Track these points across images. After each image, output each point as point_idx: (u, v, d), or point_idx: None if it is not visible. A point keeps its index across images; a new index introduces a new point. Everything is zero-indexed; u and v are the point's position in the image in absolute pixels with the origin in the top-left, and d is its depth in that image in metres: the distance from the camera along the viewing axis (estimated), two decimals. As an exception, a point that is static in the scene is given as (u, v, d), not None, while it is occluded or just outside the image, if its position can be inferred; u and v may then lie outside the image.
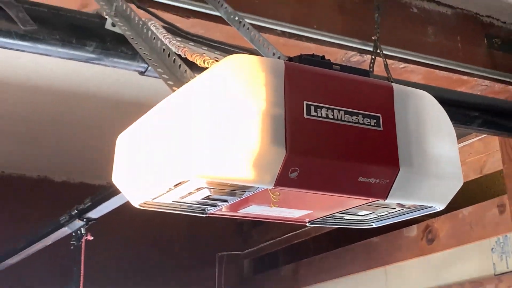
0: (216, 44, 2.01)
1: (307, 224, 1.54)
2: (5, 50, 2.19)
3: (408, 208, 1.41)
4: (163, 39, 1.68)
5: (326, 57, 1.39)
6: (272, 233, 5.11)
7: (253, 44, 2.00)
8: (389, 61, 2.81)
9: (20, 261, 3.79)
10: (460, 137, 3.59)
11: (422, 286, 3.83)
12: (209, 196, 1.30)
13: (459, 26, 3.19)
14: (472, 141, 3.61)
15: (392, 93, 1.33)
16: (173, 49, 1.63)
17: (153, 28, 1.75)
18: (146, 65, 2.25)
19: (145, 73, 2.27)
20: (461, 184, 1.40)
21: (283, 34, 2.70)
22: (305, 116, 1.22)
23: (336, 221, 1.53)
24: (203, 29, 2.52)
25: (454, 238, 3.71)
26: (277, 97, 1.20)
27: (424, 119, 1.35)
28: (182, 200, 1.34)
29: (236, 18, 2.17)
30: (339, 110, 1.25)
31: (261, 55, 1.80)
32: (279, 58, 1.73)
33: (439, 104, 1.40)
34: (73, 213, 2.88)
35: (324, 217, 1.49)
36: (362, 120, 1.27)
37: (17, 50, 2.15)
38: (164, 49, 1.61)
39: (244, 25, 2.09)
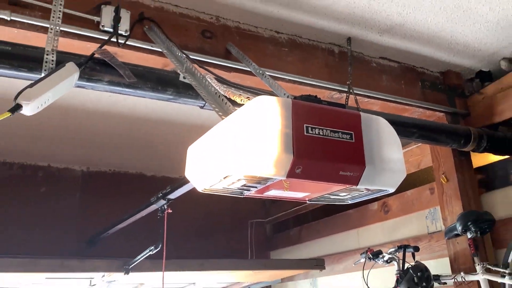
0: (248, 89, 2.01)
1: (307, 201, 1.54)
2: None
3: (371, 191, 1.41)
4: (215, 86, 1.69)
5: (318, 96, 1.40)
6: (284, 207, 5.10)
7: (271, 88, 2.01)
8: (358, 98, 2.81)
9: (125, 226, 3.83)
10: (404, 145, 3.56)
11: (382, 241, 3.80)
12: (245, 184, 1.32)
13: (403, 74, 3.17)
14: (412, 147, 3.58)
15: (360, 118, 1.34)
16: (221, 92, 1.64)
17: (208, 79, 1.76)
18: (204, 102, 2.24)
19: (203, 107, 2.28)
20: (405, 175, 1.40)
21: (290, 81, 2.69)
22: (305, 133, 1.23)
23: (326, 199, 1.53)
24: (240, 79, 2.52)
25: (401, 210, 3.67)
26: (287, 122, 1.22)
27: (380, 134, 1.36)
28: (228, 187, 1.34)
29: (260, 72, 2.18)
30: (326, 129, 1.26)
31: (277, 95, 1.80)
32: (288, 97, 1.73)
33: (389, 125, 1.40)
34: (159, 195, 2.90)
35: (318, 197, 1.50)
36: (341, 136, 1.28)
37: (123, 94, 2.17)
38: (216, 92, 1.62)
39: (265, 76, 2.10)
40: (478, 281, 2.69)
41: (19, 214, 4.28)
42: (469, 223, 2.68)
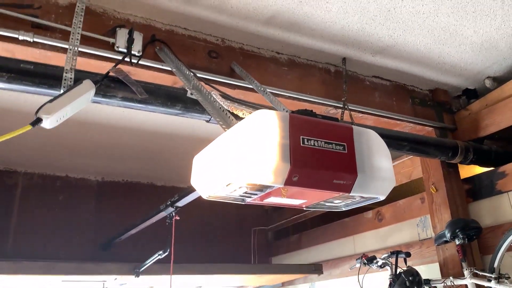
0: (250, 104, 2.03)
1: (304, 208, 1.54)
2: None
3: (363, 198, 1.41)
4: (219, 101, 1.71)
5: (315, 111, 1.41)
6: (285, 215, 5.08)
7: (272, 104, 2.02)
8: (352, 113, 2.83)
9: (135, 232, 3.82)
10: (397, 157, 3.56)
11: (376, 247, 3.77)
12: (246, 191, 1.32)
13: (394, 91, 3.18)
14: (404, 160, 3.57)
15: (352, 130, 1.35)
16: (225, 107, 1.65)
17: (214, 95, 1.77)
18: (209, 117, 2.26)
19: (209, 121, 2.29)
20: (394, 183, 1.40)
21: (289, 98, 2.70)
22: (301, 144, 1.24)
23: (321, 207, 1.53)
24: (243, 95, 2.53)
25: (394, 218, 3.65)
26: (284, 133, 1.23)
27: (371, 145, 1.36)
28: (230, 194, 1.35)
29: (262, 89, 2.20)
30: (321, 141, 1.27)
31: (276, 110, 1.81)
32: (286, 111, 1.74)
33: (380, 137, 1.41)
34: (167, 203, 2.90)
35: (314, 204, 1.50)
36: (335, 147, 1.29)
37: (136, 109, 2.18)
38: (220, 107, 1.64)
39: (266, 93, 2.12)
40: (466, 285, 2.66)
41: (39, 221, 4.29)
42: (457, 231, 2.67)
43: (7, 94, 3.02)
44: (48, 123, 1.74)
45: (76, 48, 2.07)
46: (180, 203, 2.80)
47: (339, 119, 2.67)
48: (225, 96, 1.87)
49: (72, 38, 2.09)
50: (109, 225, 4.46)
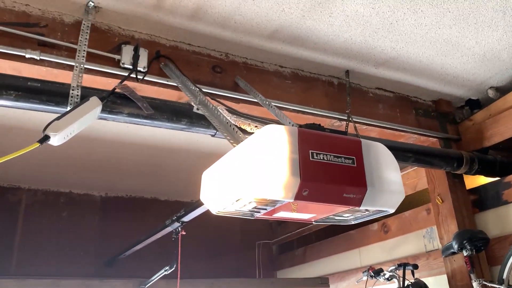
0: (256, 118, 2.04)
1: (313, 222, 1.54)
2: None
3: (373, 211, 1.41)
4: (226, 116, 1.72)
5: (321, 124, 1.42)
6: (289, 228, 5.06)
7: (277, 117, 2.03)
8: (357, 125, 2.82)
9: (141, 248, 3.80)
10: (401, 168, 3.55)
11: (382, 260, 3.75)
12: (255, 206, 1.32)
13: (398, 103, 3.19)
14: (409, 171, 3.57)
15: (360, 144, 1.35)
16: (232, 121, 1.66)
17: (220, 110, 1.78)
18: (215, 131, 2.27)
19: (215, 136, 2.31)
20: (403, 196, 1.40)
21: (293, 111, 2.71)
22: (310, 159, 1.25)
23: (330, 220, 1.53)
24: (247, 109, 2.54)
25: (400, 230, 3.64)
26: (294, 148, 1.24)
27: (380, 158, 1.37)
28: (240, 209, 1.35)
29: (267, 102, 2.21)
30: (330, 154, 1.28)
31: (282, 124, 1.82)
32: (292, 125, 1.75)
33: (388, 150, 1.42)
34: (173, 218, 2.89)
35: (323, 218, 1.50)
36: (344, 160, 1.29)
37: (141, 125, 2.20)
38: (227, 122, 1.65)
39: (271, 106, 2.13)
40: (475, 297, 2.64)
41: (43, 238, 4.28)
42: (464, 242, 2.66)
43: (12, 111, 3.03)
44: (55, 140, 1.76)
45: (82, 65, 2.09)
46: (186, 218, 2.80)
47: (346, 131, 2.67)
48: (231, 111, 1.88)
49: (78, 56, 2.12)
50: (113, 241, 4.44)
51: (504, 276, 2.49)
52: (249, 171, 1.22)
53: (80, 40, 2.16)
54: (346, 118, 2.82)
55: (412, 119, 3.20)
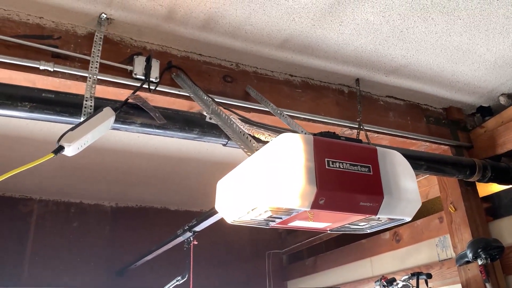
0: (269, 126, 2.04)
1: (328, 231, 1.53)
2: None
3: (389, 220, 1.40)
4: (239, 125, 1.72)
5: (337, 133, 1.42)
6: (299, 238, 5.03)
7: (289, 126, 2.02)
8: (368, 133, 2.82)
9: (152, 258, 3.80)
10: (412, 177, 3.51)
11: (394, 269, 3.71)
12: (271, 215, 1.32)
13: (408, 111, 3.18)
14: (420, 179, 3.54)
15: (376, 152, 1.35)
16: (245, 130, 1.67)
17: (233, 119, 1.79)
18: (227, 140, 2.27)
19: (226, 145, 2.30)
20: (420, 205, 1.39)
21: (304, 119, 2.70)
22: (326, 167, 1.24)
23: (346, 229, 1.51)
24: (258, 118, 2.49)
25: (412, 238, 3.60)
26: (309, 156, 1.23)
27: (396, 166, 1.36)
28: (255, 218, 1.34)
29: (278, 112, 2.21)
30: (346, 163, 1.27)
31: (295, 132, 1.82)
32: (305, 134, 1.75)
33: (404, 158, 1.41)
34: (185, 228, 2.88)
35: (339, 227, 1.48)
36: (360, 169, 1.29)
37: (154, 135, 2.20)
38: (240, 131, 1.65)
39: (283, 115, 2.13)
40: (491, 307, 2.60)
41: (54, 249, 4.29)
42: (479, 250, 2.62)
43: (24, 122, 3.07)
44: (70, 150, 1.77)
45: (95, 76, 2.11)
46: (198, 228, 2.79)
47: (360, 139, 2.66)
48: (244, 120, 1.88)
49: (91, 67, 2.14)
50: (123, 251, 4.45)
51: (521, 285, 2.45)
52: (265, 179, 1.21)
53: (93, 52, 2.18)
54: (357, 126, 2.81)
55: (423, 126, 3.18)
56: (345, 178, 1.25)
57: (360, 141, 1.40)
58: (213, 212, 2.59)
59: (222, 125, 1.78)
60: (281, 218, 1.35)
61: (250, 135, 1.59)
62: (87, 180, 4.15)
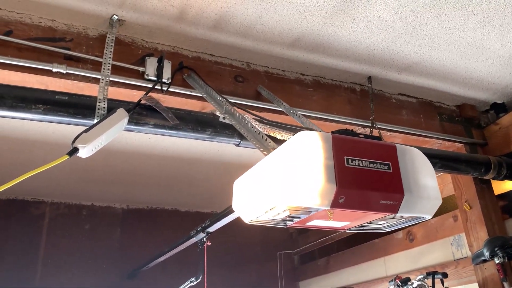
0: (285, 125, 2.01)
1: (347, 230, 1.51)
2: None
3: (408, 218, 1.37)
4: (254, 124, 1.71)
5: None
6: (311, 238, 5.00)
7: (303, 125, 2.01)
8: (381, 132, 2.80)
9: (164, 260, 3.79)
10: (425, 175, 3.47)
11: (408, 269, 3.67)
12: (289, 215, 1.30)
13: (421, 108, 3.14)
14: (433, 177, 3.51)
15: (396, 149, 1.33)
16: (261, 130, 1.65)
17: (247, 119, 1.78)
18: (239, 141, 2.25)
19: (239, 145, 2.29)
20: (440, 202, 1.36)
21: (316, 118, 2.69)
22: (346, 165, 1.22)
23: (364, 228, 1.49)
24: (270, 118, 2.41)
25: (426, 237, 3.55)
26: (328, 154, 1.21)
27: (416, 164, 1.33)
28: (273, 218, 1.32)
29: (292, 111, 2.20)
30: (365, 160, 1.25)
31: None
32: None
33: (423, 155, 1.38)
34: (198, 229, 2.87)
35: (357, 226, 1.46)
36: (379, 166, 1.27)
37: (167, 136, 2.19)
38: (255, 130, 1.64)
39: (297, 114, 2.12)
40: (509, 306, 2.56)
41: (66, 251, 4.31)
42: (496, 249, 2.58)
43: (37, 125, 3.08)
44: (84, 152, 1.77)
45: (107, 78, 2.11)
46: (212, 229, 2.78)
47: (380, 137, 2.64)
48: (258, 120, 1.87)
49: (103, 69, 2.14)
50: (135, 252, 4.45)
51: (539, 284, 2.41)
52: (283, 178, 1.20)
53: (105, 53, 2.18)
54: (369, 124, 2.79)
55: (437, 124, 3.15)
56: (365, 176, 1.23)
57: (379, 138, 1.38)
58: (227, 212, 2.58)
59: (236, 125, 1.77)
60: (299, 217, 1.33)
61: (265, 134, 1.57)
62: (98, 182, 4.16)
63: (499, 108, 3.25)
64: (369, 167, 1.24)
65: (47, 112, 1.91)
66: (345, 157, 1.22)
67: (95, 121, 1.93)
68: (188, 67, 2.40)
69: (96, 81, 2.15)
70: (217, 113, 2.00)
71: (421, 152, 1.37)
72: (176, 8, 2.19)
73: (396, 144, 1.33)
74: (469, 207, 3.05)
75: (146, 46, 2.40)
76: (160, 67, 2.26)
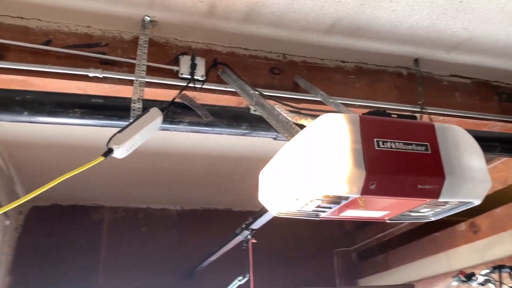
0: (316, 110, 1.92)
1: (387, 221, 1.39)
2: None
3: (455, 204, 1.23)
4: (283, 114, 1.64)
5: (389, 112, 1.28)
6: (369, 234, 4.83)
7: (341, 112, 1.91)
8: (432, 116, 2.62)
9: (217, 259, 3.80)
10: (488, 161, 3.19)
11: (474, 263, 3.41)
12: (319, 205, 1.22)
13: (477, 89, 2.90)
14: (496, 163, 3.22)
15: (434, 128, 1.20)
16: (290, 118, 1.58)
17: (277, 109, 1.71)
18: (276, 134, 2.18)
19: (276, 139, 2.22)
20: (490, 185, 1.21)
21: (360, 107, 2.55)
22: (376, 148, 1.12)
23: (407, 217, 1.37)
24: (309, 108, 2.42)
25: (492, 229, 3.28)
26: (355, 137, 1.11)
27: (458, 143, 1.20)
28: (302, 209, 1.24)
29: (330, 100, 2.10)
30: (398, 142, 1.14)
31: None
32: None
33: (467, 133, 1.24)
34: (243, 226, 2.86)
35: (398, 215, 1.34)
36: (415, 148, 1.15)
37: (202, 133, 2.17)
38: (284, 119, 1.57)
39: (335, 103, 2.02)
40: None
41: (124, 255, 4.45)
42: None
43: (75, 131, 3.16)
44: (119, 152, 1.77)
45: (142, 79, 2.12)
46: (255, 225, 2.73)
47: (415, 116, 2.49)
48: (293, 111, 1.79)
49: (138, 70, 2.15)
50: (190, 254, 4.50)
51: None
52: (306, 166, 1.11)
53: (139, 55, 2.19)
54: (419, 109, 2.62)
55: (495, 105, 2.90)
56: (399, 159, 1.11)
57: (414, 117, 1.26)
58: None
59: (266, 116, 1.71)
60: (330, 207, 1.24)
61: (294, 122, 1.50)
62: (152, 185, 4.26)
63: None
64: (404, 149, 1.13)
65: (84, 116, 1.94)
66: (375, 139, 1.12)
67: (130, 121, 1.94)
68: (222, 63, 2.37)
69: (131, 82, 2.15)
70: (249, 105, 1.94)
71: (464, 130, 1.23)
72: (205, 3, 2.16)
73: (434, 123, 1.20)
74: (538, 194, 2.77)
75: (180, 45, 2.40)
76: (193, 65, 2.25)
